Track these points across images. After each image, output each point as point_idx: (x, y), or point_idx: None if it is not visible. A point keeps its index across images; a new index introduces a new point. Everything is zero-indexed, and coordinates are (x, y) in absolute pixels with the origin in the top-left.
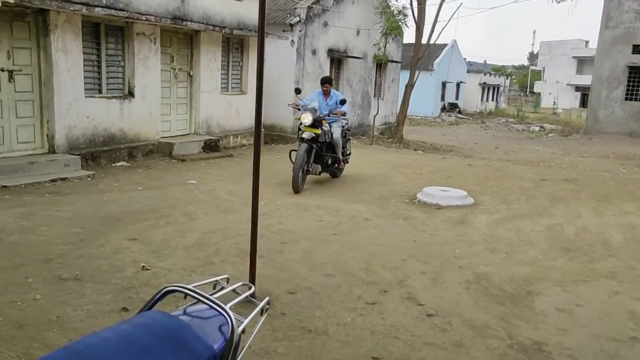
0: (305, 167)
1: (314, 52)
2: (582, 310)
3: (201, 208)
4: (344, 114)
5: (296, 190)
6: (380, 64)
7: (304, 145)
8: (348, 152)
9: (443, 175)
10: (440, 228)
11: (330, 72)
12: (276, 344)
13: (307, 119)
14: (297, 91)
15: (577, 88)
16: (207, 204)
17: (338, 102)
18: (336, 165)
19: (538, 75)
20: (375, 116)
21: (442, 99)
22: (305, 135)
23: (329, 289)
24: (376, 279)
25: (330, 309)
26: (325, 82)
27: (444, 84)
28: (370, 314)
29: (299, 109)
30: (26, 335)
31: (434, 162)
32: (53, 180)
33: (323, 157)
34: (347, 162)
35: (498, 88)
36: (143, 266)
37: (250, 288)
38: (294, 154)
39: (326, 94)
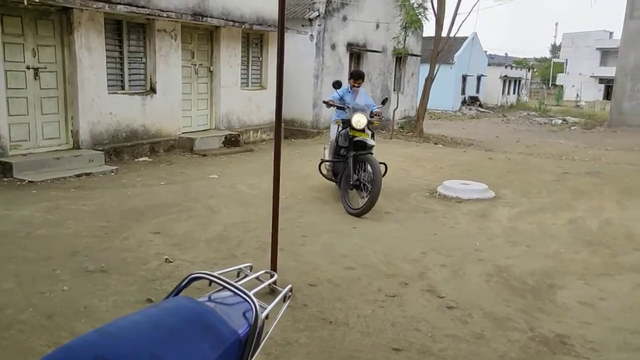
0: (353, 181)
1: (333, 46)
2: (605, 304)
3: (222, 202)
4: (381, 118)
5: (359, 213)
6: (400, 58)
7: (357, 155)
8: None
9: (463, 169)
10: (461, 221)
11: (350, 66)
12: (297, 335)
13: (361, 120)
14: (337, 85)
15: (601, 80)
16: (228, 198)
17: (368, 102)
18: None
19: (560, 67)
20: (394, 110)
21: (463, 92)
22: (364, 141)
23: (350, 281)
24: (396, 271)
25: (350, 301)
26: (359, 77)
27: (464, 78)
28: (391, 306)
29: (340, 107)
30: (55, 324)
31: (454, 156)
32: (78, 175)
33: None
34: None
35: (520, 81)
36: (166, 259)
37: (272, 276)
38: (325, 165)
39: (355, 91)
